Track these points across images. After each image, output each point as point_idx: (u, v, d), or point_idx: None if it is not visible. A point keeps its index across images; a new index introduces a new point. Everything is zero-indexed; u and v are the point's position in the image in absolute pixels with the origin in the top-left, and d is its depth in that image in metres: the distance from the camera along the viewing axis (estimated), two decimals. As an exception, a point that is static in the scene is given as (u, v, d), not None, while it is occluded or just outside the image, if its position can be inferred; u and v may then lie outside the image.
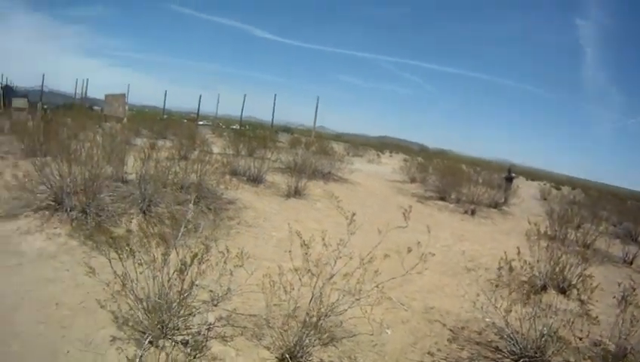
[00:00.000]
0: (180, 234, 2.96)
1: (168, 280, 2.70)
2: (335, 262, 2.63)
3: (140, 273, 2.61)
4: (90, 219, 4.54)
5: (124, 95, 21.75)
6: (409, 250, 2.67)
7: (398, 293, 3.82)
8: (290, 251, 2.85)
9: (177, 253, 2.71)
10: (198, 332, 2.73)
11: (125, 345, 2.58)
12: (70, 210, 4.63)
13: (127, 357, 2.44)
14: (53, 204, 4.78)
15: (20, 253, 3.89)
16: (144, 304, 2.64)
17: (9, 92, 24.39)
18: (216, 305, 3.09)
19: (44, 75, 27.26)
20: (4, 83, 24.87)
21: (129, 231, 3.26)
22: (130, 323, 2.73)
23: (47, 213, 4.69)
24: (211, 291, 3.14)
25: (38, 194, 4.88)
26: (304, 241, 2.66)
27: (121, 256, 2.54)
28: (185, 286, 2.69)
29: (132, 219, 4.84)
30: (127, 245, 2.56)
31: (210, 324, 2.89)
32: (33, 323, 2.79)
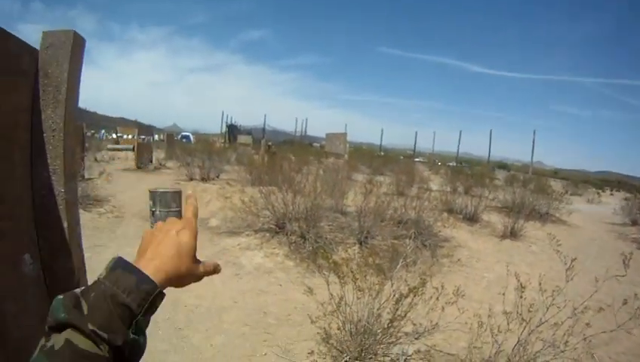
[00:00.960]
0: (399, 266, 5.26)
1: (378, 308, 4.91)
2: (547, 309, 4.23)
3: (358, 298, 4.93)
4: (308, 244, 8.23)
5: (345, 134, 32.23)
6: (624, 302, 4.07)
7: (602, 352, 5.34)
8: (503, 294, 4.72)
9: (392, 284, 4.95)
10: (394, 361, 4.62)
11: (321, 360, 4.98)
12: (290, 234, 8.55)
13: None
14: (274, 227, 9.00)
15: (240, 265, 7.79)
16: (352, 326, 4.92)
17: (234, 130, 47.88)
18: (417, 338, 4.98)
19: (265, 115, 51.02)
20: (230, 122, 48.86)
21: (346, 259, 5.72)
22: (332, 342, 5.12)
23: (267, 234, 8.90)
24: (414, 324, 5.02)
25: (262, 218, 9.29)
26: (521, 284, 4.21)
27: (341, 280, 4.98)
28: (396, 316, 4.70)
29: (348, 248, 7.65)
30: (351, 271, 5.00)
31: (408, 356, 4.76)
32: (240, 324, 5.78)
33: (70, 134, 1.79)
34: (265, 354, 5.05)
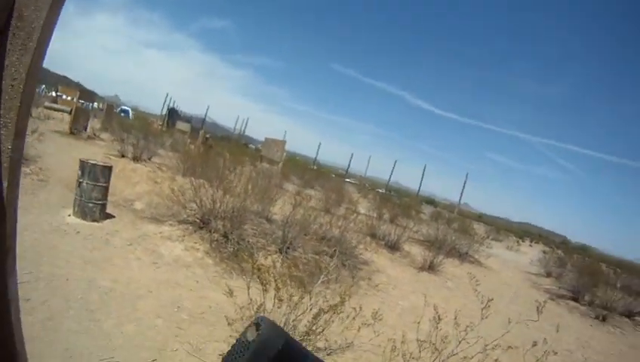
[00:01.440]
0: (319, 281, 5.36)
1: (294, 320, 4.97)
2: (459, 342, 4.49)
3: (278, 307, 4.89)
4: (230, 244, 8.18)
5: (284, 142, 32.37)
6: (534, 344, 4.44)
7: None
8: (418, 322, 5.03)
9: (310, 298, 4.99)
10: None
11: None
12: (213, 232, 8.47)
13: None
14: (198, 221, 8.88)
15: (159, 254, 7.59)
16: None
17: (174, 114, 46.79)
18: (329, 354, 5.01)
19: (208, 107, 51.39)
20: (171, 106, 47.90)
21: (267, 266, 5.69)
22: None
23: (190, 227, 8.78)
24: (327, 340, 5.08)
25: (187, 210, 9.17)
26: (438, 316, 4.39)
27: (264, 287, 4.94)
28: (312, 329, 4.71)
29: (269, 255, 7.70)
30: (274, 279, 4.96)
31: None
32: (153, 315, 5.58)
33: (30, 88, 1.64)
34: (176, 350, 4.90)
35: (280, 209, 10.57)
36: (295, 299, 4.96)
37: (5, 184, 1.59)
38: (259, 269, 5.18)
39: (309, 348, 4.81)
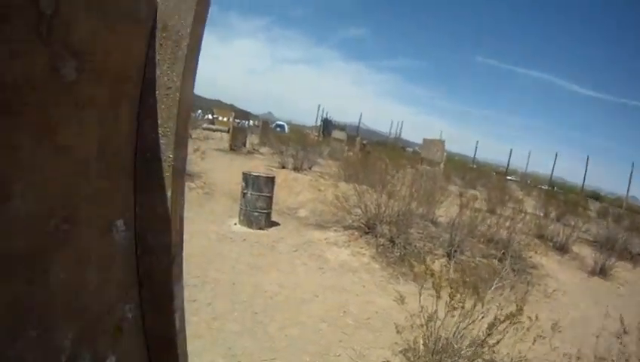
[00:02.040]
0: (493, 287, 4.93)
1: (464, 329, 4.65)
2: None
3: (452, 316, 4.62)
4: (396, 249, 8.05)
5: (443, 141, 30.74)
6: None
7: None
8: (597, 336, 4.48)
9: (482, 305, 4.62)
10: None
11: None
12: (379, 236, 8.42)
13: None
14: (363, 226, 8.89)
15: (324, 260, 7.72)
16: (435, 343, 4.64)
17: (328, 124, 48.58)
18: None
19: (361, 114, 52.41)
20: (325, 117, 50.37)
21: (433, 271, 5.44)
22: (410, 355, 4.84)
23: (356, 233, 8.81)
24: (494, 352, 4.68)
25: (353, 216, 9.21)
26: (624, 329, 3.80)
27: (437, 293, 4.68)
28: (485, 341, 4.40)
29: (436, 259, 7.40)
30: (450, 286, 4.72)
31: None
32: (317, 320, 5.63)
33: (187, 95, 1.67)
34: (339, 356, 4.88)
35: (445, 211, 10.24)
36: (468, 306, 4.64)
37: (169, 193, 1.62)
38: (432, 274, 4.99)
39: (477, 360, 4.54)
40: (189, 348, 4.42)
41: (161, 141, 1.60)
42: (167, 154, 1.61)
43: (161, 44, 1.60)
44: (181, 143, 1.69)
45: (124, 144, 1.49)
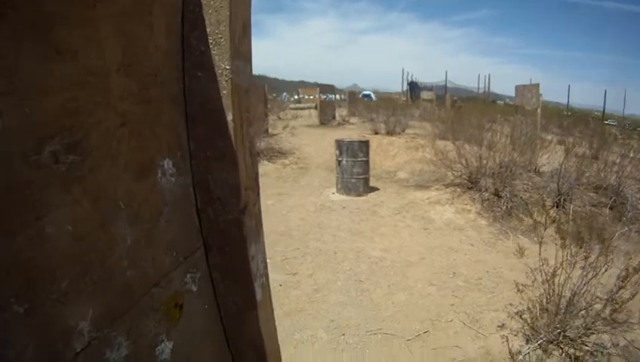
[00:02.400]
0: (617, 235, 4.41)
1: (585, 284, 4.01)
2: None
3: (573, 269, 4.04)
4: (502, 202, 7.43)
5: (537, 85, 28.56)
6: None
7: None
8: None
9: (606, 256, 3.95)
10: (591, 353, 3.73)
11: (512, 337, 4.21)
12: (483, 191, 7.81)
13: (510, 349, 3.88)
14: (466, 182, 8.32)
15: (429, 220, 7.26)
16: (555, 303, 4.01)
17: (414, 87, 48.13)
18: (614, 328, 3.94)
19: (446, 72, 48.05)
20: (410, 80, 49.65)
21: (546, 214, 4.78)
22: (526, 317, 4.34)
23: (458, 190, 8.26)
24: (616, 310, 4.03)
25: (454, 172, 8.65)
26: None
27: (564, 243, 4.10)
28: (615, 298, 3.78)
29: (544, 210, 6.70)
30: (580, 234, 4.13)
31: (604, 348, 3.81)
32: (425, 283, 5.21)
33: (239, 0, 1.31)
34: (450, 321, 4.43)
35: (547, 159, 9.38)
36: (591, 258, 4.06)
37: (229, 117, 1.25)
38: (553, 220, 4.39)
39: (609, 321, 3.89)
40: (288, 322, 4.09)
41: (213, 52, 1.23)
42: (223, 66, 1.24)
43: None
44: (239, 52, 1.31)
45: (164, 61, 1.14)
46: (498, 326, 4.29)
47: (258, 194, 1.47)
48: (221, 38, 1.22)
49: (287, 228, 6.93)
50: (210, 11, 1.22)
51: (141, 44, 1.05)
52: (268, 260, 5.40)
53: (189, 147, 1.26)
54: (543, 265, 4.06)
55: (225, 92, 1.23)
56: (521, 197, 7.75)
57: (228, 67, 1.22)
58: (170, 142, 1.17)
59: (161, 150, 1.12)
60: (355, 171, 8.85)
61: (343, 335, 4.08)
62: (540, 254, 4.05)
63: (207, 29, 1.22)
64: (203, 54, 1.23)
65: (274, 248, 6.02)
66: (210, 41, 1.22)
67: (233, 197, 1.28)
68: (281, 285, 4.97)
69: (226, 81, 1.23)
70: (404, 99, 40.05)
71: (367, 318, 4.32)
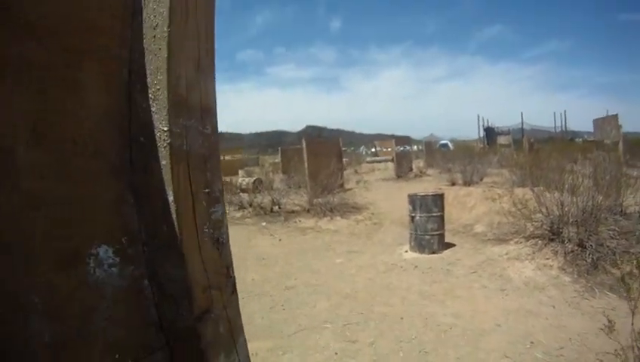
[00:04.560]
0: None
1: None
2: None
3: None
4: (587, 254, 6.65)
5: (616, 116, 26.99)
6: None
7: None
8: None
9: None
10: None
11: None
12: (566, 242, 7.03)
13: None
14: (547, 233, 7.56)
15: (506, 279, 6.60)
16: None
17: (491, 132, 47.63)
18: None
19: (521, 113, 46.81)
20: (486, 125, 48.45)
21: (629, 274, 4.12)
22: None
23: (539, 242, 7.53)
24: None
25: (534, 222, 7.92)
26: None
27: None
28: None
29: (634, 259, 5.90)
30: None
31: None
32: (499, 355, 4.47)
33: (188, 31, 1.01)
34: None
35: (634, 199, 8.33)
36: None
37: (170, 195, 0.96)
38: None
39: None
40: None
41: (153, 109, 0.96)
42: (161, 128, 0.95)
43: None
44: (187, 106, 0.99)
45: (101, 125, 0.91)
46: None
47: (234, 291, 1.15)
48: (159, 90, 0.94)
49: (354, 289, 6.54)
50: (151, 57, 0.95)
51: (66, 105, 0.84)
52: (329, 325, 4.98)
53: (141, 229, 0.98)
54: (636, 340, 3.45)
55: (164, 162, 0.94)
56: (607, 246, 6.84)
57: (165, 129, 0.93)
58: (109, 225, 0.91)
59: (94, 236, 0.88)
60: (429, 227, 8.34)
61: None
62: (632, 325, 3.44)
63: (148, 79, 0.95)
64: (145, 113, 0.95)
65: (336, 312, 5.69)
66: (150, 95, 0.95)
67: (185, 300, 0.97)
68: (337, 353, 4.57)
69: (164, 147, 0.94)
70: (481, 146, 39.56)
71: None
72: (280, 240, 10.58)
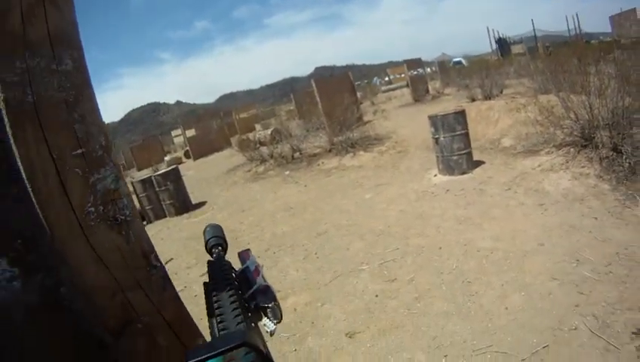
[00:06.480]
0: None
1: None
2: None
3: None
4: (624, 159, 6.25)
5: (634, 10, 25.45)
6: None
7: None
8: None
9: None
10: None
11: None
12: (600, 147, 6.66)
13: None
14: (579, 139, 7.18)
15: (543, 192, 6.29)
16: None
17: (504, 44, 45.45)
18: None
19: (532, 20, 46.62)
20: (497, 37, 45.87)
21: None
22: None
23: (572, 150, 7.18)
24: None
25: (564, 129, 7.53)
26: None
27: None
28: None
29: None
30: None
31: None
32: (545, 277, 4.25)
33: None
34: (574, 329, 3.46)
35: None
36: None
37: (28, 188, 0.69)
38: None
39: None
40: (382, 343, 3.64)
41: None
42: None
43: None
44: (15, 44, 0.73)
45: None
46: (633, 334, 3.28)
47: (166, 286, 0.87)
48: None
49: (386, 224, 6.35)
50: None
51: None
52: (365, 266, 4.78)
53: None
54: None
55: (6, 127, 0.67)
56: (645, 149, 6.46)
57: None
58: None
59: None
60: (456, 147, 8.02)
61: (445, 356, 3.39)
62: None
63: None
64: None
65: (371, 251, 5.53)
66: None
67: (90, 313, 0.72)
68: (377, 296, 4.43)
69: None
70: (496, 58, 37.73)
71: (475, 332, 3.60)
72: (305, 186, 10.45)
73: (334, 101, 14.41)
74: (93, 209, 0.74)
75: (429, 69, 41.45)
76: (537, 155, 7.65)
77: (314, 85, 15.17)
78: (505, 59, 32.41)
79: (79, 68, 0.76)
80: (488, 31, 47.39)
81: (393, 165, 10.39)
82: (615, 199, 5.58)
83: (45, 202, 0.69)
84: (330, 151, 12.89)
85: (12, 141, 0.65)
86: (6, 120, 0.66)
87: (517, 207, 5.99)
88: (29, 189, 0.67)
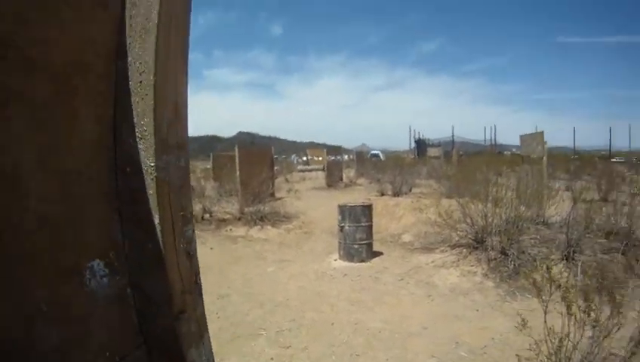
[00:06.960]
0: (631, 288, 4.07)
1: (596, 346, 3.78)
2: None
3: (581, 335, 3.77)
4: (509, 260, 7.27)
5: (541, 133, 28.67)
6: None
7: None
8: None
9: (618, 313, 3.73)
10: None
11: None
12: (489, 250, 7.63)
13: None
14: (472, 242, 8.16)
15: (433, 285, 7.07)
16: None
17: (422, 144, 50.35)
18: None
19: (453, 127, 49.07)
20: (417, 137, 52.05)
21: (550, 279, 4.58)
22: None
23: (464, 250, 8.12)
24: None
25: (459, 232, 8.52)
26: None
27: (569, 310, 3.84)
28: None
29: (553, 265, 6.51)
30: (585, 296, 3.90)
31: None
32: (426, 356, 4.89)
33: (167, 80, 1.22)
34: None
35: (556, 209, 9.11)
36: (602, 318, 3.82)
37: (156, 218, 1.19)
38: (558, 285, 4.15)
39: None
40: None
41: (140, 146, 1.16)
42: (149, 163, 1.17)
43: (130, 25, 1.19)
44: (167, 145, 1.23)
45: (93, 156, 1.09)
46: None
47: (200, 294, 1.38)
48: (146, 131, 1.15)
49: (286, 297, 6.78)
50: (137, 100, 1.16)
51: (63, 138, 1.00)
52: (263, 332, 5.18)
53: (125, 246, 1.18)
54: (548, 335, 3.85)
55: (151, 192, 1.16)
56: (528, 253, 7.53)
57: (152, 164, 1.15)
58: (100, 241, 1.11)
59: (89, 251, 1.06)
60: (358, 237, 8.71)
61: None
62: (545, 322, 3.84)
63: (134, 120, 1.16)
64: (132, 148, 1.16)
65: (270, 319, 5.90)
66: (137, 134, 1.16)
67: (166, 304, 1.19)
68: (272, 359, 4.79)
69: (152, 179, 1.16)
70: (412, 157, 40.92)
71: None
72: (212, 248, 10.61)
73: (253, 171, 14.70)
74: (182, 246, 1.23)
75: (347, 157, 43.04)
76: (432, 252, 8.51)
77: (237, 152, 15.46)
78: (420, 160, 34.61)
79: (187, 165, 1.27)
80: (410, 130, 50.69)
81: (297, 244, 10.88)
82: (497, 294, 6.50)
83: (164, 239, 1.18)
84: (239, 219, 13.11)
85: (156, 203, 1.17)
86: (155, 189, 1.13)
87: (407, 295, 6.65)
88: (158, 231, 1.17)
